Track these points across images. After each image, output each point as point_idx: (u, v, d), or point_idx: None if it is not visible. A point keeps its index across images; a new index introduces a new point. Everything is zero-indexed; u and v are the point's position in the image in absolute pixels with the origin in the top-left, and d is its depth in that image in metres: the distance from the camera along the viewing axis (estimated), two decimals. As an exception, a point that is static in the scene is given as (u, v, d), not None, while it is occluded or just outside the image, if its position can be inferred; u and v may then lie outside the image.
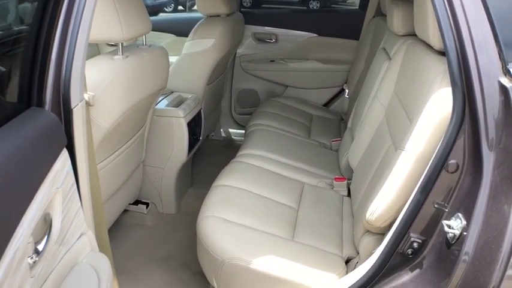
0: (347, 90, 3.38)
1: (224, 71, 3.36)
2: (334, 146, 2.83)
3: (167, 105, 2.56)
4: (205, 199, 1.95)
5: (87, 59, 1.44)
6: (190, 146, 2.61)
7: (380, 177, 1.62)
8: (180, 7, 15.52)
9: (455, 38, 1.20)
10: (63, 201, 1.21)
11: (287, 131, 2.87)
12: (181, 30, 3.69)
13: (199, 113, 2.74)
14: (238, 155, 2.45)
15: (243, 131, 3.76)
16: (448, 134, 1.24)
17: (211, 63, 2.79)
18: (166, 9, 14.91)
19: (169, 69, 2.77)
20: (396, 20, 2.14)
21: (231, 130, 3.90)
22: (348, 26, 3.53)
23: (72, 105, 1.32)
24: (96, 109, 1.69)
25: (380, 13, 3.06)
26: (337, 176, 2.29)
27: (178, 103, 2.62)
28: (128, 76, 1.86)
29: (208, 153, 3.50)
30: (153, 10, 14.44)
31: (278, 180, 2.19)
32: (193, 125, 2.64)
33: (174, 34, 3.76)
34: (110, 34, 1.77)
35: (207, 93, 2.94)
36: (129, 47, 2.06)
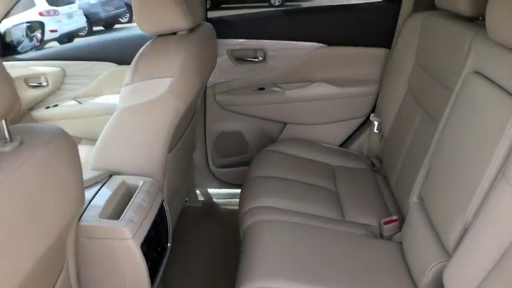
0: (376, 123, 2.28)
1: (193, 115, 2.20)
2: (387, 230, 1.72)
3: (102, 213, 1.40)
4: None
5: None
6: (154, 270, 1.52)
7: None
8: (136, 16, 14.32)
9: None
10: None
11: (305, 214, 1.78)
12: (124, 55, 2.52)
13: (161, 208, 1.60)
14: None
15: (228, 190, 2.65)
16: None
17: (171, 120, 1.62)
18: (122, 20, 13.84)
19: (102, 135, 1.66)
20: None
21: (210, 190, 2.75)
22: (371, 28, 2.38)
23: None
24: None
25: (425, 5, 1.98)
26: None
27: (122, 202, 1.49)
28: None
29: (183, 231, 2.39)
30: (108, 23, 13.30)
31: None
32: (154, 237, 1.51)
33: (115, 62, 2.56)
34: None
35: (169, 163, 1.78)
36: None
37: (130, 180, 1.56)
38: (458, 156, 1.35)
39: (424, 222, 1.48)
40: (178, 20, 1.64)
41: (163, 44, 1.67)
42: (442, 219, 1.37)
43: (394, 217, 1.77)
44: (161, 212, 1.58)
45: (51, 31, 10.67)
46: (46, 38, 10.46)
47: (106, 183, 1.54)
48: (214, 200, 2.75)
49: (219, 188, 2.73)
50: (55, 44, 10.52)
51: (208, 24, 2.05)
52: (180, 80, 1.58)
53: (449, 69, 1.61)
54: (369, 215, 1.82)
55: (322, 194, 1.94)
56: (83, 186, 1.14)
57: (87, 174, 1.57)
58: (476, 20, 1.61)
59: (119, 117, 1.60)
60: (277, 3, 14.06)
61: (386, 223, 1.73)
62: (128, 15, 13.74)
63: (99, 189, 1.50)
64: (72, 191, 1.09)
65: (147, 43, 1.71)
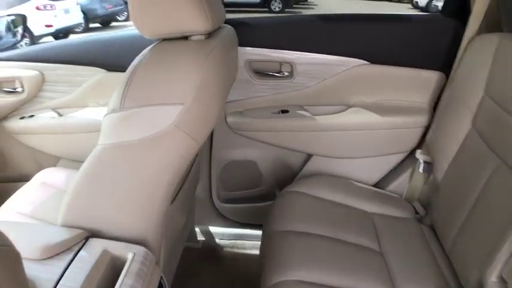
0: (423, 162, 1.85)
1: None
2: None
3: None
4: None
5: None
6: None
7: None
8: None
9: None
10: None
11: None
12: (115, 60, 2.05)
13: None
14: None
15: (234, 230, 2.30)
16: None
17: (176, 166, 1.12)
18: (119, 18, 13.50)
19: (78, 179, 1.16)
20: None
21: (212, 229, 2.27)
22: (424, 47, 1.90)
23: None
24: None
25: (498, 25, 1.61)
26: None
27: (103, 284, 1.00)
28: None
29: (179, 282, 1.92)
30: (105, 20, 12.91)
31: None
32: None
33: (103, 68, 2.08)
34: None
35: (169, 216, 1.30)
36: None
37: (115, 248, 1.07)
38: None
39: None
40: (194, 20, 1.15)
41: (171, 54, 1.16)
42: None
43: None
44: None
45: (47, 26, 10.29)
46: (41, 32, 10.09)
47: (80, 252, 1.05)
48: (217, 240, 2.27)
49: (223, 226, 2.25)
50: (50, 39, 10.09)
51: (229, 27, 1.56)
52: (194, 109, 1.08)
53: None
54: (422, 279, 1.40)
55: (366, 257, 1.48)
56: None
57: (57, 232, 1.10)
58: None
59: (100, 157, 1.10)
60: (277, 10, 13.85)
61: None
62: (125, 13, 13.41)
63: (71, 262, 1.02)
64: None
65: (146, 50, 1.22)
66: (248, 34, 1.91)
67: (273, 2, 13.97)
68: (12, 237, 1.09)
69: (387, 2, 22.60)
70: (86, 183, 1.11)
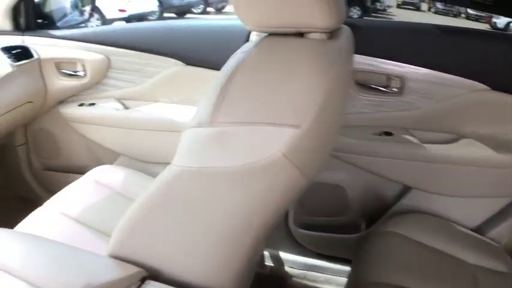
0: None
1: None
2: None
3: None
4: None
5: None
6: None
7: None
8: (210, 8, 13.91)
9: None
10: None
11: None
12: (197, 53, 1.81)
13: None
14: None
15: (306, 259, 2.00)
16: None
17: (275, 207, 0.84)
18: (195, 10, 13.48)
19: (140, 204, 0.90)
20: None
21: (283, 255, 2.01)
22: None
23: None
24: None
25: None
26: None
27: None
28: None
29: None
30: (180, 11, 12.92)
31: None
32: None
33: (181, 60, 1.84)
34: None
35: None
36: None
37: None
38: None
39: None
40: (315, 12, 0.86)
41: (287, 56, 0.87)
42: None
43: None
44: None
45: (120, 10, 10.35)
46: (114, 16, 10.15)
47: None
48: (286, 268, 2.01)
49: (295, 253, 1.98)
50: (122, 24, 10.16)
51: (347, 28, 1.28)
52: (311, 134, 0.79)
53: None
54: None
55: None
56: None
57: (105, 266, 0.87)
58: None
59: (175, 181, 0.84)
60: (355, 17, 13.46)
61: None
62: (201, 6, 13.35)
63: None
64: None
65: (247, 47, 0.95)
66: (358, 39, 1.63)
67: (351, 8, 13.58)
68: (49, 266, 0.86)
69: (466, 20, 21.79)
70: (151, 209, 0.86)
